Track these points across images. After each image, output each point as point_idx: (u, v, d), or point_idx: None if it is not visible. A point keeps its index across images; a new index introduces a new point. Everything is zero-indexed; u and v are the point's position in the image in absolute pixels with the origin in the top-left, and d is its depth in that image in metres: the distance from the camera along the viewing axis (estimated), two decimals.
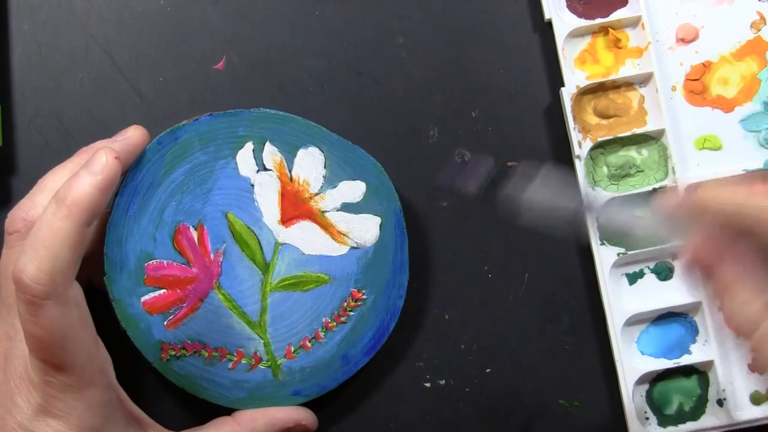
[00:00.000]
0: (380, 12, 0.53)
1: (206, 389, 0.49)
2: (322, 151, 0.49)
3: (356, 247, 0.49)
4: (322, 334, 0.49)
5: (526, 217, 0.45)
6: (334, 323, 0.49)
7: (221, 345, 0.49)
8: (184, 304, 0.48)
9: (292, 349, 0.49)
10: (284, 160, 0.49)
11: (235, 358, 0.49)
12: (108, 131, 0.51)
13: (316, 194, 0.49)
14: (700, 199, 0.37)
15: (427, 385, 0.51)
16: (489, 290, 0.51)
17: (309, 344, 0.49)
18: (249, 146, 0.48)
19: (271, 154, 0.48)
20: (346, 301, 0.49)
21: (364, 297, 0.49)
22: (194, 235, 0.48)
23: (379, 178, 0.49)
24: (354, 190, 0.49)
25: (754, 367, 0.49)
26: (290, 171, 0.49)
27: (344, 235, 0.49)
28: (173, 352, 0.48)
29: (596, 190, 0.45)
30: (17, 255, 0.41)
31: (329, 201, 0.49)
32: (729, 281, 0.37)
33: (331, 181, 0.49)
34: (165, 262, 0.48)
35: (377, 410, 0.51)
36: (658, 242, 0.40)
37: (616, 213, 0.42)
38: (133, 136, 0.47)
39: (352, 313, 0.49)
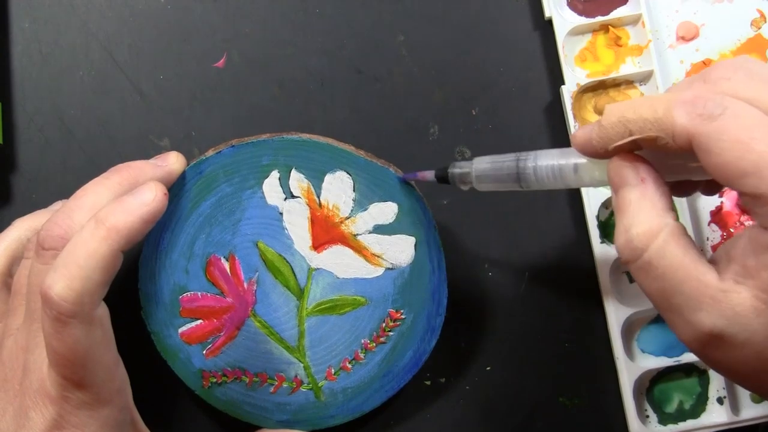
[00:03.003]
0: (381, 10, 0.53)
1: (250, 413, 0.49)
2: (350, 175, 0.48)
3: (392, 269, 0.48)
4: (362, 355, 0.49)
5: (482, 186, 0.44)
6: (374, 344, 0.49)
7: (261, 370, 0.49)
8: (222, 333, 0.49)
9: (333, 371, 0.49)
10: (311, 186, 0.48)
11: (276, 383, 0.49)
12: (108, 129, 0.52)
13: (347, 218, 0.48)
14: (604, 121, 0.36)
15: (428, 383, 0.51)
16: (489, 288, 0.51)
17: (349, 365, 0.49)
18: (275, 175, 0.48)
19: (297, 181, 0.48)
20: (384, 321, 0.49)
21: (403, 317, 0.49)
22: (226, 265, 0.48)
23: (411, 198, 0.48)
24: (386, 211, 0.48)
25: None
26: (318, 197, 0.48)
27: (378, 257, 0.48)
28: (214, 380, 0.49)
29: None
30: (48, 270, 0.40)
31: (361, 224, 0.48)
32: (625, 202, 0.36)
33: (361, 204, 0.48)
34: (199, 293, 0.48)
35: (378, 408, 0.51)
36: (590, 184, 0.39)
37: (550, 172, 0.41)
38: (174, 164, 0.47)
39: (391, 333, 0.49)
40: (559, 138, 0.52)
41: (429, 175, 0.46)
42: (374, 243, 0.48)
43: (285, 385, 0.49)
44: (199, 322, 0.48)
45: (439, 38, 0.53)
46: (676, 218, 0.35)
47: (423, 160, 0.52)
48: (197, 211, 0.48)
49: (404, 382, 0.49)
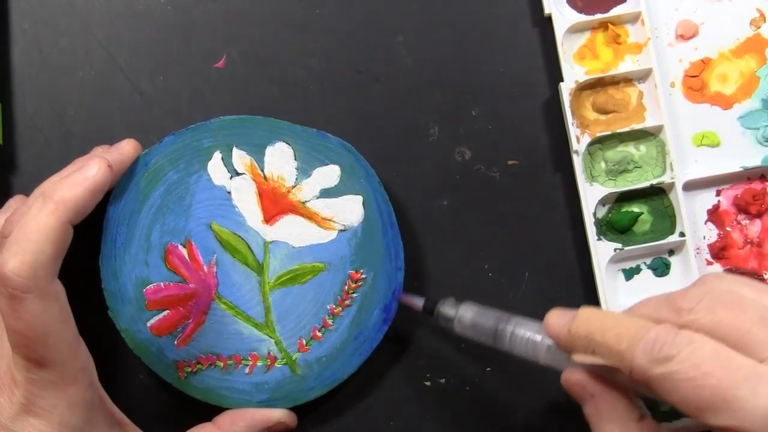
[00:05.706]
0: (380, 10, 0.53)
1: (228, 398, 0.49)
2: (289, 144, 0.49)
3: (344, 230, 0.49)
4: (330, 322, 0.49)
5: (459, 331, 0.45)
6: (340, 308, 0.49)
7: (234, 352, 0.49)
8: (190, 321, 0.49)
9: (304, 342, 0.49)
10: (254, 161, 0.49)
11: (251, 363, 0.49)
12: (108, 129, 0.52)
13: (293, 187, 0.49)
14: (573, 330, 0.38)
15: (427, 383, 0.52)
16: (489, 289, 0.52)
17: (319, 334, 0.49)
18: (217, 155, 0.49)
19: (240, 158, 0.49)
20: (346, 284, 0.49)
21: (363, 276, 0.49)
22: (184, 252, 0.49)
23: (352, 158, 0.49)
24: (329, 174, 0.49)
25: None
26: (262, 170, 0.49)
27: (329, 220, 0.49)
28: (189, 369, 0.49)
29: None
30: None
31: (307, 191, 0.49)
32: (587, 416, 0.39)
33: (304, 171, 0.49)
34: (162, 284, 0.49)
35: (377, 409, 0.51)
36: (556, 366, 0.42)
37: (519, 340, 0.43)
38: (125, 146, 0.48)
39: (355, 295, 0.49)
40: (558, 135, 0.52)
41: (418, 303, 0.48)
42: (323, 207, 0.49)
43: (260, 363, 0.49)
44: (166, 312, 0.49)
45: (439, 38, 0.53)
46: (641, 417, 0.38)
47: (423, 160, 0.52)
48: (148, 202, 0.49)
49: (376, 343, 0.50)
